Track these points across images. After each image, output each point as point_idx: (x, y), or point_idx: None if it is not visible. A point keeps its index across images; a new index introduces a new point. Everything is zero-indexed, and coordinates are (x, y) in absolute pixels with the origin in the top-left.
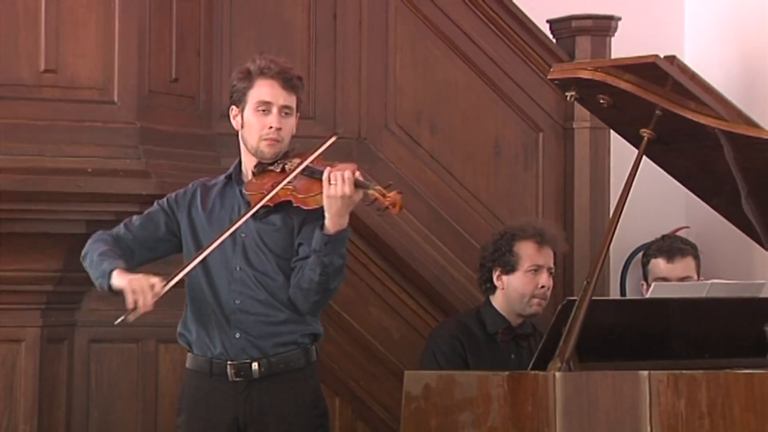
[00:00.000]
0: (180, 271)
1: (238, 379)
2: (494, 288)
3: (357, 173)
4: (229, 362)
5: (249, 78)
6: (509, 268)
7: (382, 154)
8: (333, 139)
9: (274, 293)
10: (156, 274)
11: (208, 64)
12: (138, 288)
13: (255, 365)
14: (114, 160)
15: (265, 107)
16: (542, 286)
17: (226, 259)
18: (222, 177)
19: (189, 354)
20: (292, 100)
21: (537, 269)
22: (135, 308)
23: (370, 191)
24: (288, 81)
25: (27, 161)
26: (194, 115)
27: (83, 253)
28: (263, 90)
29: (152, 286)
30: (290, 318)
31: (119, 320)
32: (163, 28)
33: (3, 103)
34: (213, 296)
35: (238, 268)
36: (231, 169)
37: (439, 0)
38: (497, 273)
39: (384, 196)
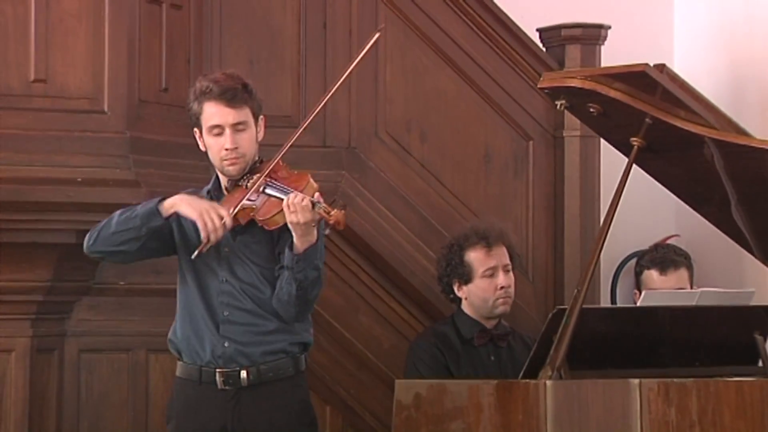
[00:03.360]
0: (238, 203)
1: (226, 387)
2: (459, 298)
3: (317, 195)
4: (217, 370)
5: (197, 101)
6: (466, 279)
7: (372, 162)
8: (377, 35)
9: (261, 303)
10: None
11: (198, 73)
12: (210, 224)
13: (243, 373)
14: (104, 169)
15: (217, 130)
16: (501, 287)
17: (214, 271)
18: (204, 191)
19: (179, 362)
20: (243, 114)
21: (492, 272)
22: (208, 242)
23: (317, 210)
24: (232, 98)
25: (17, 171)
26: (184, 125)
27: (91, 237)
28: (210, 113)
29: (221, 217)
30: (279, 327)
31: (194, 255)
32: (152, 37)
33: None
34: (204, 306)
35: (224, 281)
36: (210, 185)
37: (428, 9)
38: (456, 285)
39: (328, 213)
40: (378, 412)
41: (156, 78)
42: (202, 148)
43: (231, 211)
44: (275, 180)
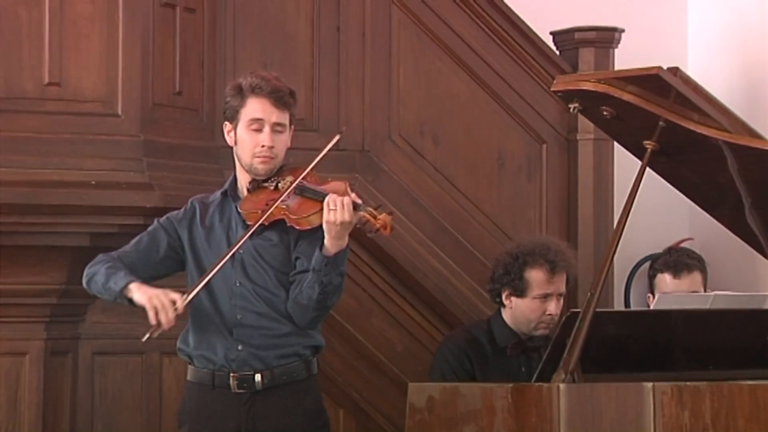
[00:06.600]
0: (195, 287)
1: (240, 391)
2: (503, 304)
3: (353, 195)
4: (231, 374)
5: (241, 95)
6: (518, 293)
7: (385, 165)
8: (337, 137)
9: (275, 307)
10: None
11: (211, 76)
12: (159, 305)
13: (258, 377)
14: (117, 172)
15: (257, 125)
16: (549, 314)
17: (227, 274)
18: (218, 193)
19: (190, 367)
20: (284, 117)
21: (546, 297)
22: (158, 325)
23: (362, 212)
24: (280, 99)
25: (30, 174)
26: (198, 128)
27: (86, 278)
28: (255, 107)
29: (173, 302)
30: (293, 331)
31: (146, 337)
32: (166, 41)
33: (7, 116)
34: (215, 311)
35: (238, 284)
36: (227, 185)
37: (441, 12)
38: (506, 293)
39: (375, 218)
40: (391, 415)
41: (170, 81)
42: (230, 142)
43: (262, 211)
44: (310, 183)
